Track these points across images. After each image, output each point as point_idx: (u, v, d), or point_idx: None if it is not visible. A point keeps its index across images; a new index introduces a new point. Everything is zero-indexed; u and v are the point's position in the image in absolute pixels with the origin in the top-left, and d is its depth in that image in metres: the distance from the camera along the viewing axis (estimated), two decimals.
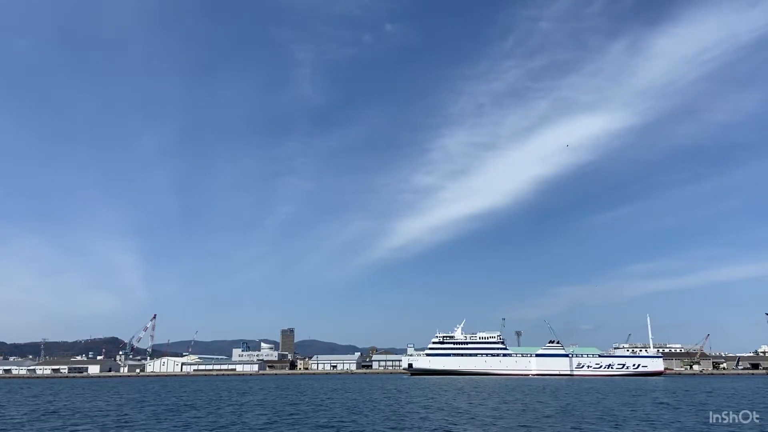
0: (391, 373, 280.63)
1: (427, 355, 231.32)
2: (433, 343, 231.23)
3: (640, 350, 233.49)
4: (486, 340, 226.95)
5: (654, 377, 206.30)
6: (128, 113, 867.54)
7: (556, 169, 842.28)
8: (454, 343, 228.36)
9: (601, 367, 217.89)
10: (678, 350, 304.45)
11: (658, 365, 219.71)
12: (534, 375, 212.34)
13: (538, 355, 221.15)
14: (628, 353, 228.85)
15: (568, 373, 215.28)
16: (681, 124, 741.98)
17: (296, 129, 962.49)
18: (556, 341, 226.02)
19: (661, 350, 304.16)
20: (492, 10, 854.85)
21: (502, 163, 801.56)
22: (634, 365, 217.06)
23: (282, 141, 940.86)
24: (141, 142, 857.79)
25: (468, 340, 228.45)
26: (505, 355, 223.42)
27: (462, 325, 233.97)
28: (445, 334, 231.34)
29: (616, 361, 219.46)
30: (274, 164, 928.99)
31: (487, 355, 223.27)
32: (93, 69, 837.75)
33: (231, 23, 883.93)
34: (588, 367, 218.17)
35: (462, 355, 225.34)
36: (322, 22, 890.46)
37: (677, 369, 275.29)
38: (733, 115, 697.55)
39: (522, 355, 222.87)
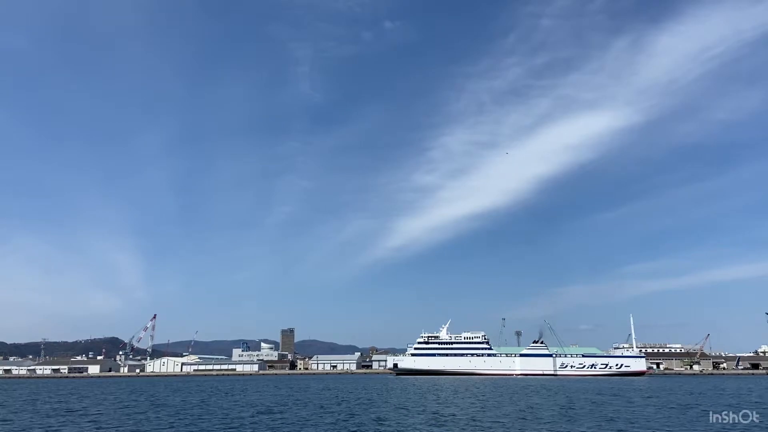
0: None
1: (412, 355, 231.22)
2: (419, 343, 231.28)
3: (636, 350, 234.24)
4: (470, 340, 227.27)
5: (636, 377, 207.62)
6: (128, 111, 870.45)
7: (557, 168, 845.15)
8: (439, 343, 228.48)
9: (584, 366, 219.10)
10: (678, 350, 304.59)
11: (640, 365, 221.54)
12: (518, 375, 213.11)
13: (522, 355, 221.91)
14: (613, 353, 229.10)
15: (552, 373, 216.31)
16: (683, 122, 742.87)
17: (295, 128, 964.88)
18: (540, 341, 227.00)
19: (660, 350, 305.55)
20: (493, 7, 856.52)
21: (502, 162, 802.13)
22: (617, 365, 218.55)
23: (281, 140, 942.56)
24: (140, 140, 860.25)
25: (453, 340, 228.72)
26: (489, 355, 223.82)
27: (447, 325, 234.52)
28: (430, 334, 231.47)
29: (599, 361, 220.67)
30: (273, 163, 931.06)
31: (471, 355, 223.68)
32: (92, 67, 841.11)
33: (229, 20, 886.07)
34: (571, 366, 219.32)
35: (447, 355, 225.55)
36: (321, 19, 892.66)
37: (677, 369, 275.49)
38: (736, 113, 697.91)
39: (506, 355, 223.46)
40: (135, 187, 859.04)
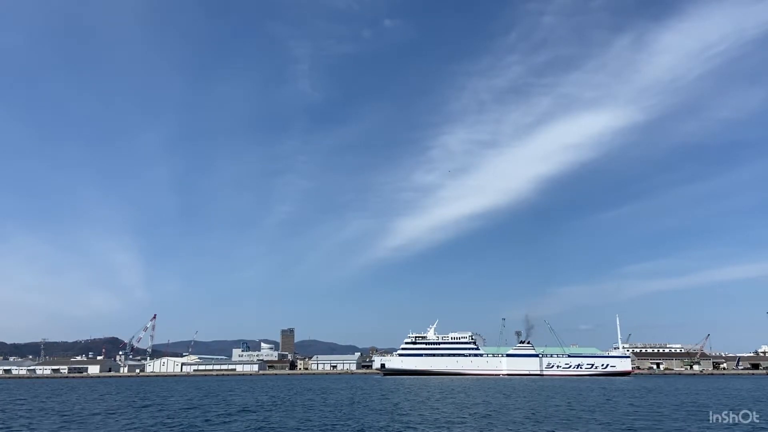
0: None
1: (400, 355, 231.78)
2: (406, 343, 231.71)
3: (622, 350, 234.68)
4: (457, 341, 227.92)
5: (622, 377, 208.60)
6: (127, 110, 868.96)
7: (558, 167, 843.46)
8: (426, 343, 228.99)
9: (570, 367, 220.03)
10: (678, 350, 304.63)
11: (625, 365, 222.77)
12: (504, 375, 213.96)
13: (508, 356, 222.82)
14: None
15: (538, 373, 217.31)
16: (684, 121, 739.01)
17: (295, 126, 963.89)
18: (526, 341, 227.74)
19: (660, 350, 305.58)
20: (494, 5, 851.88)
21: (503, 161, 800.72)
22: (602, 365, 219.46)
23: (281, 139, 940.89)
24: (140, 139, 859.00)
25: (440, 341, 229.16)
26: (476, 355, 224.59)
27: (435, 325, 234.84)
28: (417, 335, 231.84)
29: (585, 361, 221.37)
30: (273, 162, 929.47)
31: (458, 355, 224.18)
32: (91, 66, 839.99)
33: (228, 19, 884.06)
34: (557, 367, 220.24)
35: (434, 355, 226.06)
36: (320, 17, 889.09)
37: (677, 369, 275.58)
38: (737, 112, 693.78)
39: (493, 356, 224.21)
40: (135, 187, 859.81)
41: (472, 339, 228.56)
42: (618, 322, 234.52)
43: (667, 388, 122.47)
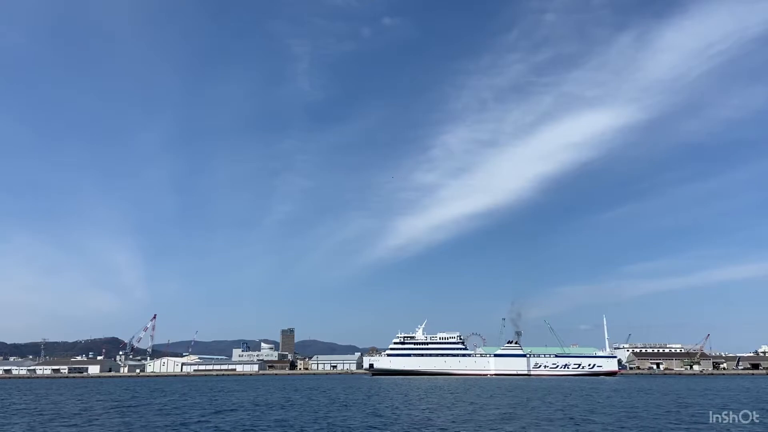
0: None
1: (388, 355, 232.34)
2: (394, 343, 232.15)
3: (609, 350, 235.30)
4: (446, 341, 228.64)
5: (608, 377, 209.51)
6: (127, 110, 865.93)
7: (559, 166, 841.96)
8: (414, 343, 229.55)
9: (557, 366, 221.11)
10: (678, 350, 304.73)
11: (612, 365, 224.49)
12: (492, 375, 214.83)
13: (496, 356, 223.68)
14: (586, 353, 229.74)
15: (526, 373, 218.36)
16: (686, 120, 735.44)
17: (295, 125, 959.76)
18: (514, 341, 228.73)
19: (660, 350, 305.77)
20: (495, 2, 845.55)
21: (503, 160, 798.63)
22: (589, 365, 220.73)
23: (280, 138, 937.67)
24: (140, 139, 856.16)
25: (428, 341, 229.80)
26: (464, 355, 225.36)
27: (423, 325, 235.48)
28: (406, 335, 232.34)
29: (572, 361, 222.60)
30: (272, 162, 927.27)
31: (446, 355, 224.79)
32: (91, 65, 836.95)
33: (228, 17, 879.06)
34: (545, 367, 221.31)
35: (422, 355, 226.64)
36: (319, 15, 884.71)
37: (677, 369, 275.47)
38: (739, 111, 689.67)
39: (481, 356, 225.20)
40: (134, 187, 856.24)
41: (460, 339, 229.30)
42: (605, 323, 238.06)
43: (647, 387, 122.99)
